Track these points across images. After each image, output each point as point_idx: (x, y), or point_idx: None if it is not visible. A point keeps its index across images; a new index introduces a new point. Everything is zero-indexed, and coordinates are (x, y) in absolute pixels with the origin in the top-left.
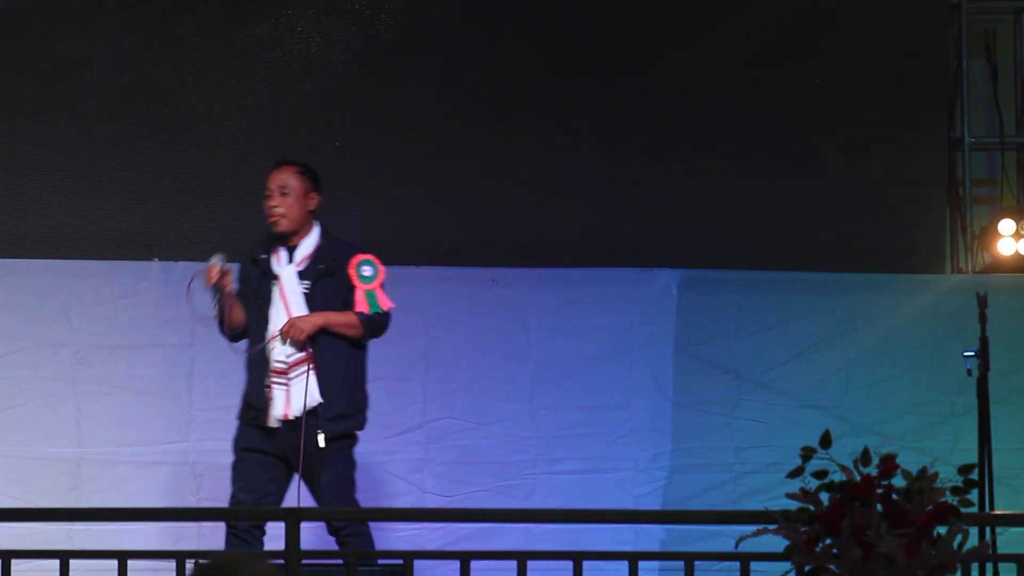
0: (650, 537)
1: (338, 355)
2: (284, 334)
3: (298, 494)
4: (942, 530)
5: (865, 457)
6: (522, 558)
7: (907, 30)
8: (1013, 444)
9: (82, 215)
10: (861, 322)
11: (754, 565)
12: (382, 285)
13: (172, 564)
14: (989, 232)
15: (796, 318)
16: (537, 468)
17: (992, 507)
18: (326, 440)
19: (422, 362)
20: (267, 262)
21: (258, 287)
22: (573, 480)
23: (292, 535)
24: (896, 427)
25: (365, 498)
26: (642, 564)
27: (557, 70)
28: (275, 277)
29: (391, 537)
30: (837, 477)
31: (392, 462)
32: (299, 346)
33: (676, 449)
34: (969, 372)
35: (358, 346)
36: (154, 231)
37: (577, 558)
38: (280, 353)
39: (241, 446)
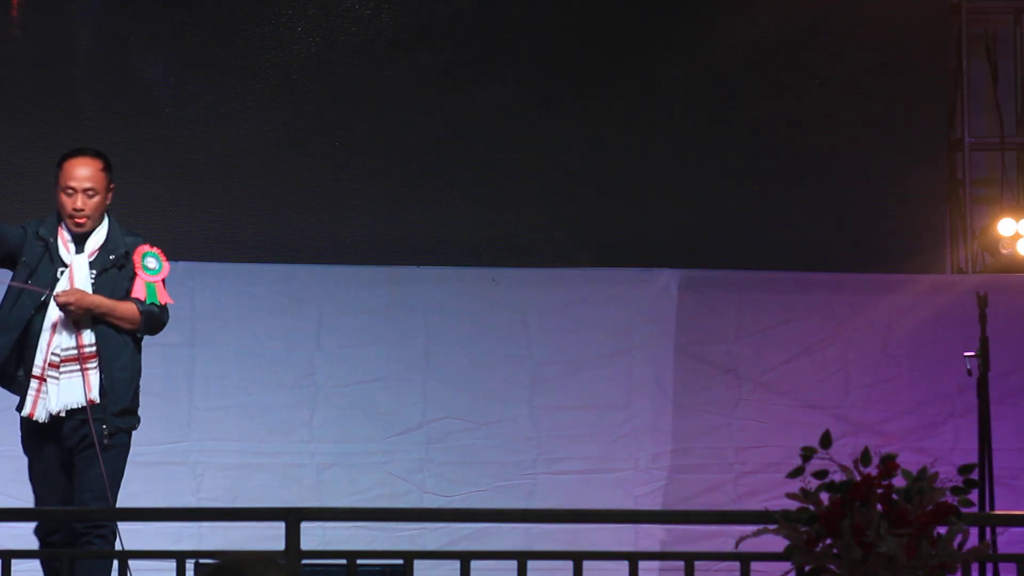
0: (650, 537)
1: (124, 347)
2: (58, 299)
3: None
4: (942, 530)
5: (865, 457)
6: (522, 558)
7: (907, 30)
8: (1013, 444)
9: None
10: (861, 322)
11: (754, 565)
12: (164, 282)
13: (172, 564)
14: (989, 232)
15: (796, 318)
16: (537, 468)
17: (992, 507)
18: (109, 436)
19: (422, 362)
20: (55, 246)
21: (40, 269)
22: (573, 480)
23: (292, 535)
24: (896, 427)
25: (366, 498)
26: (642, 564)
27: (557, 70)
28: (64, 264)
29: (391, 537)
30: (837, 477)
31: (392, 462)
32: (73, 321)
33: (676, 449)
34: (969, 372)
35: (137, 341)
36: (153, 230)
37: (577, 558)
38: (57, 345)
39: (26, 447)
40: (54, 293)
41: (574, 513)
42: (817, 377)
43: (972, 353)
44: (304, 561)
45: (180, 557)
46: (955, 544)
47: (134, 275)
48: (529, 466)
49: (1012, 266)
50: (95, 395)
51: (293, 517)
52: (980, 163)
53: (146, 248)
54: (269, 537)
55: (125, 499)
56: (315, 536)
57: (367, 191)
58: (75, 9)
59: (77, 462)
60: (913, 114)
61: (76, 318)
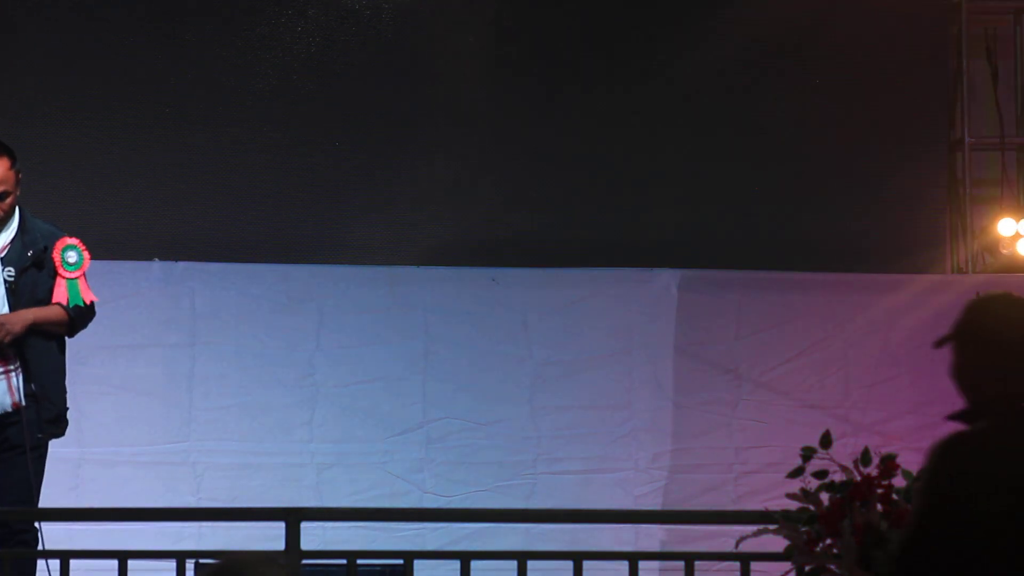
0: (650, 537)
1: (51, 352)
2: None
3: None
4: None
5: (865, 457)
6: (522, 558)
7: (907, 30)
8: None
9: (82, 215)
10: (861, 322)
11: (754, 565)
12: (85, 275)
13: (172, 564)
14: (989, 232)
15: (796, 318)
16: (537, 468)
17: None
18: (35, 442)
19: (422, 362)
20: None
21: None
22: (573, 480)
23: (292, 535)
24: (896, 427)
25: (366, 498)
26: (642, 564)
27: (558, 71)
28: None
29: (391, 537)
30: (837, 477)
31: (392, 462)
32: (3, 349)
33: (676, 449)
34: None
35: (61, 342)
36: (154, 231)
37: (577, 558)
38: None
39: None
40: None
41: (574, 513)
42: (817, 377)
43: None
44: (304, 561)
45: (180, 557)
46: None
47: (55, 274)
48: (529, 466)
49: (1012, 266)
50: (18, 398)
51: (293, 517)
52: (980, 163)
53: (66, 241)
54: (269, 537)
55: (127, 499)
56: (315, 536)
57: (367, 191)
58: (73, 6)
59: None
60: (913, 114)
61: (9, 342)
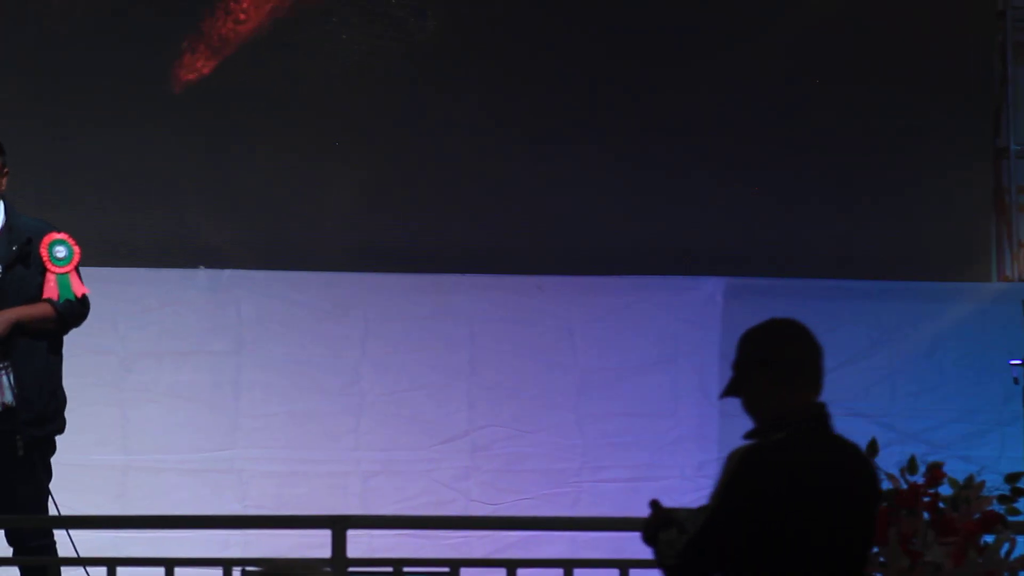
0: None
1: (34, 351)
2: None
3: None
4: (989, 539)
5: (912, 465)
6: (568, 566)
7: (952, 38)
8: None
9: (128, 223)
10: (907, 330)
11: None
12: (77, 268)
13: (219, 571)
14: None
15: (841, 326)
16: (583, 476)
17: None
18: (26, 447)
19: (467, 370)
20: None
21: None
22: (619, 488)
23: (338, 543)
24: (943, 435)
25: (412, 506)
26: None
27: (601, 78)
28: None
29: (437, 545)
30: (884, 485)
31: (438, 470)
32: None
33: (722, 457)
34: (1016, 380)
35: (54, 341)
36: (200, 238)
37: (623, 566)
38: None
39: None
40: None
41: (620, 521)
42: (863, 385)
43: (1019, 361)
44: (350, 569)
45: (227, 565)
46: (1002, 553)
47: (44, 270)
48: (574, 474)
49: None
50: (8, 399)
51: (339, 525)
52: None
53: (54, 236)
54: (315, 545)
55: (173, 506)
56: (361, 544)
57: (412, 199)
58: (118, 16)
59: None
60: (958, 122)
61: None
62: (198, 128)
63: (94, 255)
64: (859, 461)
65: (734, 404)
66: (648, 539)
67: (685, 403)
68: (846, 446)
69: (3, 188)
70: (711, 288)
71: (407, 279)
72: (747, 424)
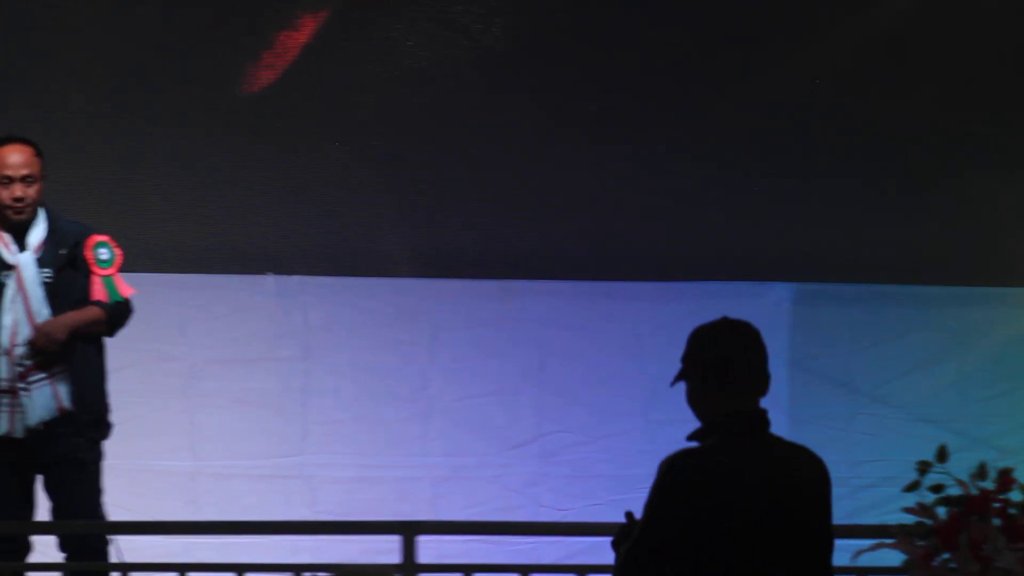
0: None
1: (87, 354)
2: (36, 344)
3: None
4: None
5: (982, 471)
6: None
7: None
8: None
9: (196, 229)
10: (976, 336)
11: None
12: (120, 270)
13: None
14: None
15: (911, 332)
16: (651, 482)
17: None
18: (87, 450)
19: (536, 376)
20: None
21: None
22: None
23: (408, 549)
24: (1013, 441)
25: (481, 512)
26: None
27: (670, 82)
28: (8, 267)
29: (507, 551)
30: (953, 491)
31: (507, 476)
32: (50, 357)
33: None
34: None
35: (100, 343)
36: (268, 245)
37: None
38: (20, 356)
39: None
40: (16, 346)
41: None
42: (932, 391)
43: None
44: (419, 575)
45: (296, 570)
46: None
47: (89, 272)
48: (644, 480)
49: None
50: (66, 404)
51: (409, 531)
52: None
53: (96, 238)
54: (385, 550)
55: (242, 512)
56: (431, 550)
57: (479, 204)
58: (190, 23)
59: (53, 480)
60: None
61: (55, 350)
62: (266, 134)
63: (162, 261)
64: (797, 467)
65: (804, 410)
66: (613, 547)
67: None
68: (784, 451)
69: (42, 183)
70: (779, 294)
71: (474, 285)
72: (825, 430)
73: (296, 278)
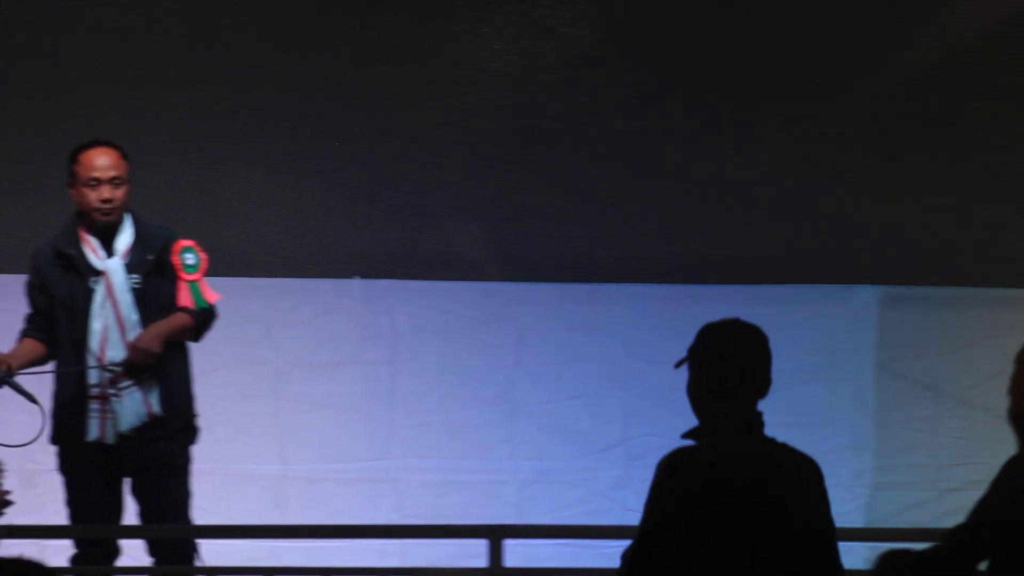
0: (853, 555)
1: (176, 360)
2: (132, 363)
3: None
4: None
5: None
6: None
7: None
8: None
9: (283, 233)
10: None
11: None
12: (205, 274)
13: None
14: None
15: (999, 335)
16: None
17: None
18: (176, 453)
19: (622, 379)
20: (79, 257)
21: (71, 289)
22: None
23: (495, 552)
24: None
25: (568, 515)
26: None
27: (752, 87)
28: (97, 273)
29: (595, 554)
30: None
31: (594, 479)
32: (145, 369)
33: (878, 466)
34: None
35: (186, 348)
36: (354, 248)
37: None
38: (110, 361)
39: (76, 474)
40: (118, 361)
41: None
42: None
43: None
44: None
45: (384, 574)
46: None
47: (176, 277)
48: None
49: None
50: (156, 409)
51: (496, 534)
52: None
53: (183, 243)
54: (472, 554)
55: (330, 515)
56: (517, 553)
57: (564, 208)
58: (279, 31)
59: (143, 484)
60: None
61: (152, 362)
62: (353, 137)
63: (249, 265)
64: (790, 467)
65: (891, 413)
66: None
67: (841, 412)
68: (777, 452)
69: (129, 186)
70: (866, 297)
71: (560, 289)
72: (912, 434)
73: (382, 282)
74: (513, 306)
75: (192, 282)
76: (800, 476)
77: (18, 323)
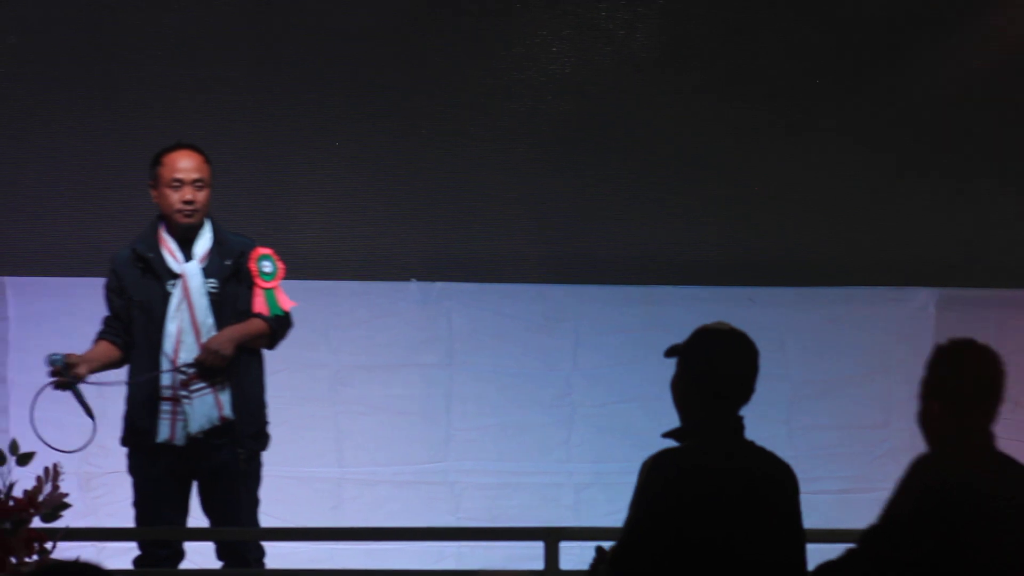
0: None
1: (250, 366)
2: (204, 363)
3: None
4: None
5: None
6: None
7: None
8: None
9: (340, 236)
10: None
11: None
12: (280, 283)
13: None
14: None
15: None
16: None
17: None
18: (246, 459)
19: None
20: (157, 259)
21: (148, 291)
22: (830, 500)
23: (551, 555)
24: None
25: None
26: None
27: (808, 90)
28: (174, 276)
29: None
30: None
31: None
32: (216, 371)
33: None
34: None
35: (261, 355)
36: (412, 251)
37: None
38: (183, 362)
39: (144, 476)
40: (189, 362)
41: (830, 533)
42: None
43: None
44: None
45: None
46: None
47: (252, 284)
48: None
49: None
50: (228, 412)
51: (553, 537)
52: None
53: (260, 251)
54: (528, 557)
55: (386, 518)
56: (574, 556)
57: (623, 209)
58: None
59: (211, 489)
60: None
61: (223, 365)
62: (410, 140)
63: (304, 268)
64: (768, 471)
65: None
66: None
67: (897, 415)
68: (757, 456)
69: (210, 190)
70: (923, 299)
71: (618, 291)
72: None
73: (439, 284)
74: (570, 308)
75: (268, 289)
76: (777, 482)
77: (94, 326)
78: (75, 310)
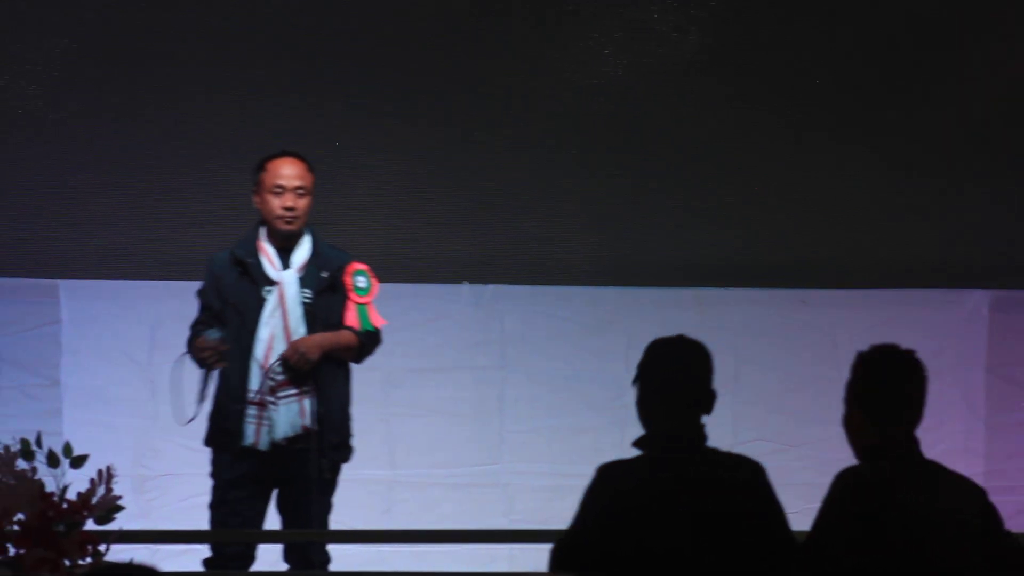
0: None
1: (336, 377)
2: (290, 360)
3: None
4: None
5: None
6: None
7: None
8: None
9: (392, 238)
10: None
11: None
12: (373, 300)
13: None
14: None
15: None
16: None
17: None
18: (328, 469)
19: (732, 384)
20: (256, 265)
21: (244, 296)
22: None
23: None
24: None
25: None
26: None
27: (866, 87)
28: (271, 283)
29: None
30: None
31: None
32: (300, 374)
33: (989, 471)
34: None
35: (347, 367)
36: (464, 253)
37: None
38: (272, 368)
39: (225, 478)
40: (273, 361)
41: None
42: None
43: None
44: None
45: None
46: None
47: (346, 298)
48: None
49: None
50: (309, 422)
51: None
52: None
53: (356, 266)
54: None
55: (439, 520)
56: None
57: (674, 212)
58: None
59: (289, 493)
60: None
61: (307, 368)
62: (463, 142)
63: None
64: (732, 476)
65: (1002, 417)
66: None
67: (950, 416)
68: (720, 462)
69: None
70: (977, 300)
71: (670, 293)
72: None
73: (492, 287)
74: (622, 310)
75: (361, 304)
76: (741, 484)
77: (147, 329)
78: (128, 313)
